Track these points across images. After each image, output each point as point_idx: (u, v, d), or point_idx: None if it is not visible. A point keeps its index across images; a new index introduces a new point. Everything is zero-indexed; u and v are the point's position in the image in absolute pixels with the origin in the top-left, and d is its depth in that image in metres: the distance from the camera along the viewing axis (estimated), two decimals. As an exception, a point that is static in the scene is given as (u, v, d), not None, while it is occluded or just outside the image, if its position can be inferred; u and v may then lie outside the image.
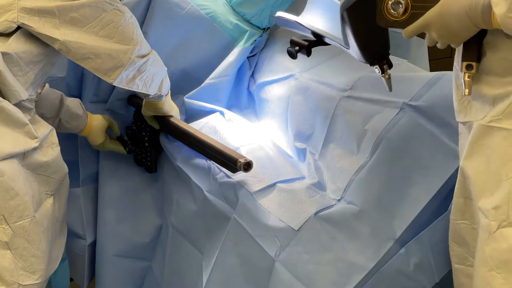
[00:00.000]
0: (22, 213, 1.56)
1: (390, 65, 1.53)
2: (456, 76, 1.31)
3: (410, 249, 1.53)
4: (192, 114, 2.01)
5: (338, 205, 1.59)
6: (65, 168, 1.75)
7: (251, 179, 1.71)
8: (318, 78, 1.88)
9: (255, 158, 1.74)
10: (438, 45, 1.27)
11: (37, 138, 1.60)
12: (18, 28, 1.53)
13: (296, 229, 1.55)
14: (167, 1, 1.98)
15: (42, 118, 1.73)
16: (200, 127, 1.92)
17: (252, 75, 2.17)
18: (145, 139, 2.02)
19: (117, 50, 1.60)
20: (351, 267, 1.51)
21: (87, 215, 2.09)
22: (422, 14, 1.22)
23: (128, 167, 2.07)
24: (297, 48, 1.67)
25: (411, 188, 1.54)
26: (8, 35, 1.54)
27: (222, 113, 2.02)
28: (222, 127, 1.94)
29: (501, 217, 1.19)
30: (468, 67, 1.21)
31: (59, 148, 1.71)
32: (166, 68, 1.80)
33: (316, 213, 1.57)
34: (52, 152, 1.67)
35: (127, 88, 1.68)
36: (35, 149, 1.61)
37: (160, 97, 1.83)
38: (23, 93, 1.57)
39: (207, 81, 2.04)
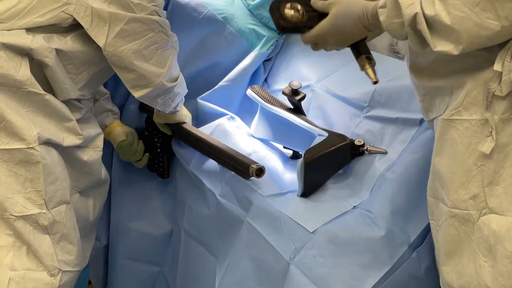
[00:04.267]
0: (60, 198, 1.59)
1: None
2: (412, 78, 1.39)
3: (421, 253, 1.54)
4: (203, 117, 2.02)
5: (354, 211, 1.60)
6: (100, 174, 1.77)
7: (263, 185, 1.72)
8: (334, 91, 1.92)
9: (267, 168, 1.75)
10: (327, 48, 1.42)
11: (81, 135, 1.63)
12: (80, 26, 1.56)
13: (311, 231, 1.55)
14: (184, 5, 1.99)
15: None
16: (211, 130, 1.93)
17: (266, 80, 2.18)
18: (157, 145, 2.03)
19: (152, 72, 1.63)
20: (366, 271, 1.51)
21: (102, 217, 2.10)
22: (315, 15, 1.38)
23: (140, 172, 2.08)
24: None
25: (425, 192, 1.56)
26: (67, 31, 1.56)
27: (232, 118, 2.04)
28: (233, 131, 1.96)
29: (480, 205, 1.23)
30: (369, 58, 1.37)
31: (101, 153, 1.74)
32: (187, 91, 1.84)
33: (332, 219, 1.58)
34: (93, 154, 1.71)
35: (146, 103, 1.72)
36: (78, 146, 1.64)
37: (173, 112, 1.85)
38: (73, 92, 1.60)
39: (221, 83, 2.06)
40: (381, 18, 1.21)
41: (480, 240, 1.24)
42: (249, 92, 1.98)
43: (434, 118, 1.35)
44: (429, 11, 1.14)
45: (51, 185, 1.56)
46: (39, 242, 1.55)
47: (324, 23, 1.35)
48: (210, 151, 1.85)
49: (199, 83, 2.06)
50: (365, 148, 1.73)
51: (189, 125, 1.94)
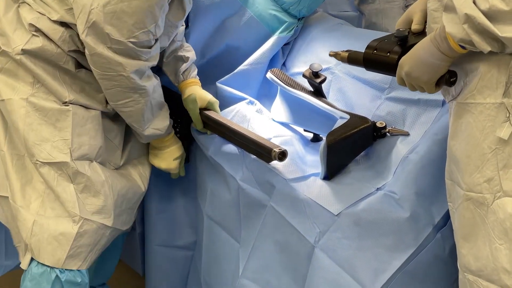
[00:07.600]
0: (85, 153, 1.71)
1: None
2: None
3: (445, 234, 1.54)
4: (222, 100, 2.01)
5: (377, 193, 1.59)
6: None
7: (285, 168, 1.72)
8: (355, 73, 1.91)
9: (288, 151, 1.75)
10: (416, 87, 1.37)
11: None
12: None
13: (336, 214, 1.55)
14: None
15: None
16: (232, 115, 1.93)
17: (284, 64, 2.18)
18: (177, 130, 2.03)
19: None
20: (391, 254, 1.51)
21: None
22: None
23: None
24: None
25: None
26: None
27: (252, 102, 2.03)
28: (252, 116, 1.95)
29: (495, 189, 1.23)
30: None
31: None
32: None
33: (356, 202, 1.58)
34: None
35: None
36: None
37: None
38: None
39: (241, 67, 2.06)
40: (447, 29, 1.19)
41: (495, 223, 1.24)
42: (269, 75, 1.98)
43: (450, 101, 1.35)
44: (484, 6, 1.12)
45: (78, 137, 1.68)
46: (62, 188, 1.67)
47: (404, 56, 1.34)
48: (231, 135, 1.85)
49: (218, 68, 2.06)
50: (387, 130, 1.73)
51: (209, 111, 1.94)
